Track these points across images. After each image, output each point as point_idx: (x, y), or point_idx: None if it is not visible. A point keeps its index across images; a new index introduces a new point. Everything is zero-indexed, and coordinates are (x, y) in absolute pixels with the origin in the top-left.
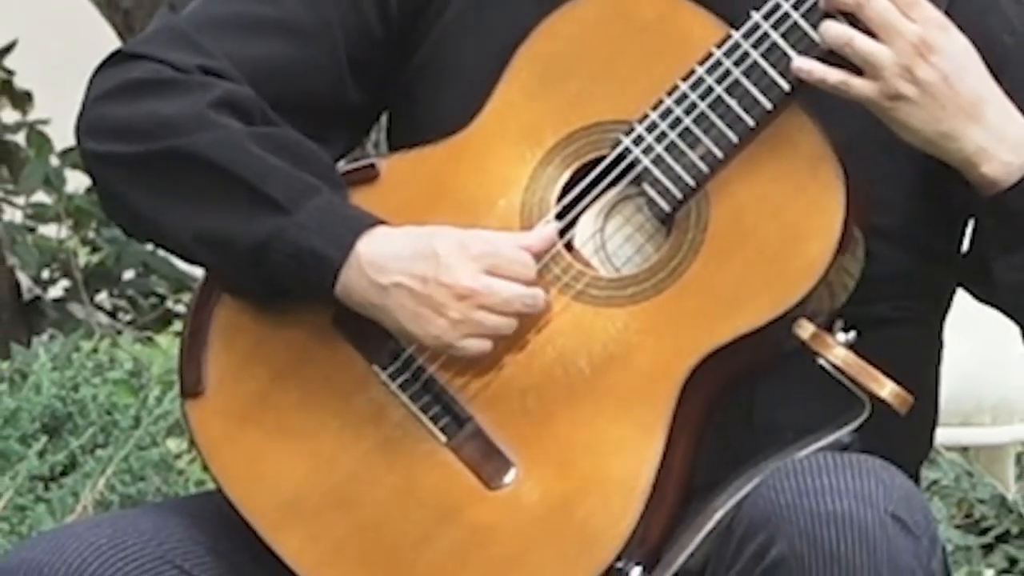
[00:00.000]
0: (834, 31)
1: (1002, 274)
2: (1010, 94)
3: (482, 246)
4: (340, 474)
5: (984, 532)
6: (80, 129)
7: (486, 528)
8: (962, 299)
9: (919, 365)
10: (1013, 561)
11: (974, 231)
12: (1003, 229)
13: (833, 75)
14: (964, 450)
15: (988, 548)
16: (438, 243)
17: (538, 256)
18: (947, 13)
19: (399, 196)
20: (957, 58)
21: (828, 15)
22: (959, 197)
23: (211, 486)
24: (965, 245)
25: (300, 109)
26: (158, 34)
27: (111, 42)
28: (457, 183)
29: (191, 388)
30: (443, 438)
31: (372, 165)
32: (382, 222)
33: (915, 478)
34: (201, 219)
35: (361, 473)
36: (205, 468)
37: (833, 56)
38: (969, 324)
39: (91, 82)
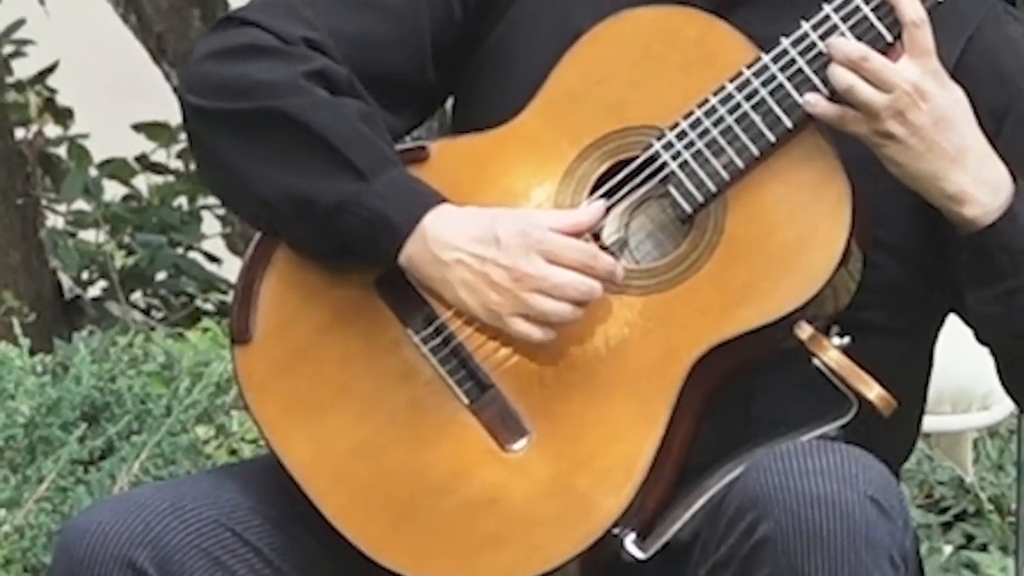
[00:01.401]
0: (838, 76)
1: (974, 306)
2: (1012, 136)
3: (540, 233)
4: (369, 426)
5: (944, 511)
6: (184, 84)
7: (496, 486)
8: None
9: (907, 374)
10: (970, 538)
11: (952, 263)
12: (977, 265)
13: (833, 111)
14: (926, 436)
15: (947, 526)
16: (500, 227)
17: (585, 231)
18: (963, 50)
19: (446, 178)
20: (947, 107)
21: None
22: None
23: None
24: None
25: (383, 82)
26: (269, 4)
27: (145, 63)
28: (500, 171)
29: (240, 335)
30: (466, 400)
31: (423, 147)
32: (447, 200)
33: (897, 471)
34: (287, 176)
35: (388, 426)
36: (246, 407)
37: None
38: None
39: (201, 42)
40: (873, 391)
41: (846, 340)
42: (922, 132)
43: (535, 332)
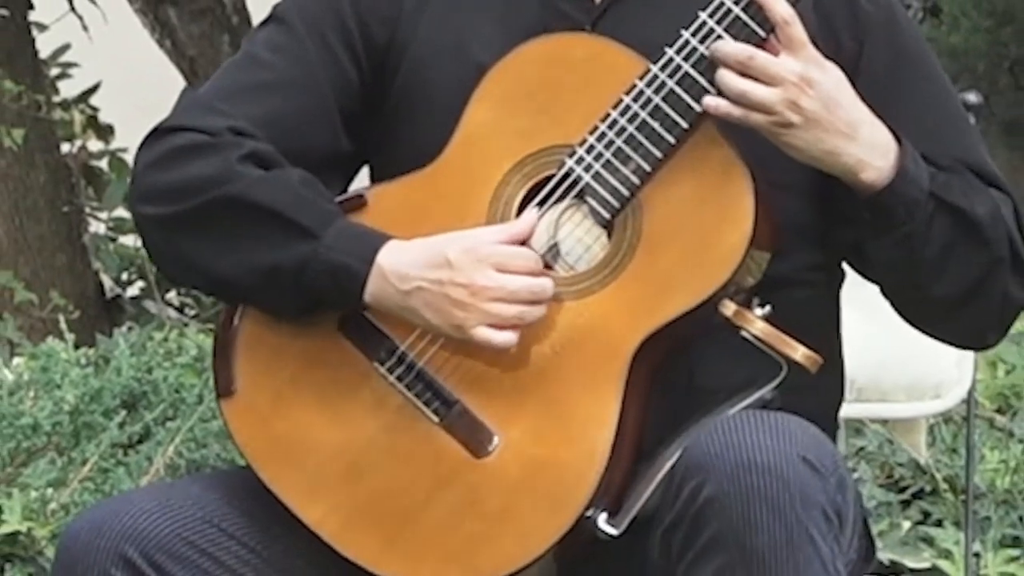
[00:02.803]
0: (729, 84)
1: (875, 253)
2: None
3: (486, 248)
4: (352, 454)
5: (902, 490)
6: (134, 197)
7: (477, 489)
8: (879, 296)
9: (820, 324)
10: (926, 514)
11: (850, 221)
12: (878, 219)
13: (733, 110)
14: (884, 423)
15: (906, 504)
16: (448, 249)
17: (526, 237)
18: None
19: (386, 219)
20: (832, 88)
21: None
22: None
23: None
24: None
25: (302, 155)
26: (188, 107)
27: (178, 84)
28: (434, 205)
29: (224, 389)
30: (435, 419)
31: (361, 195)
32: (391, 237)
33: (832, 426)
34: (248, 254)
35: (370, 452)
36: (240, 452)
37: None
38: (887, 319)
39: (138, 156)
40: (798, 352)
41: (767, 309)
42: (815, 116)
43: (500, 337)
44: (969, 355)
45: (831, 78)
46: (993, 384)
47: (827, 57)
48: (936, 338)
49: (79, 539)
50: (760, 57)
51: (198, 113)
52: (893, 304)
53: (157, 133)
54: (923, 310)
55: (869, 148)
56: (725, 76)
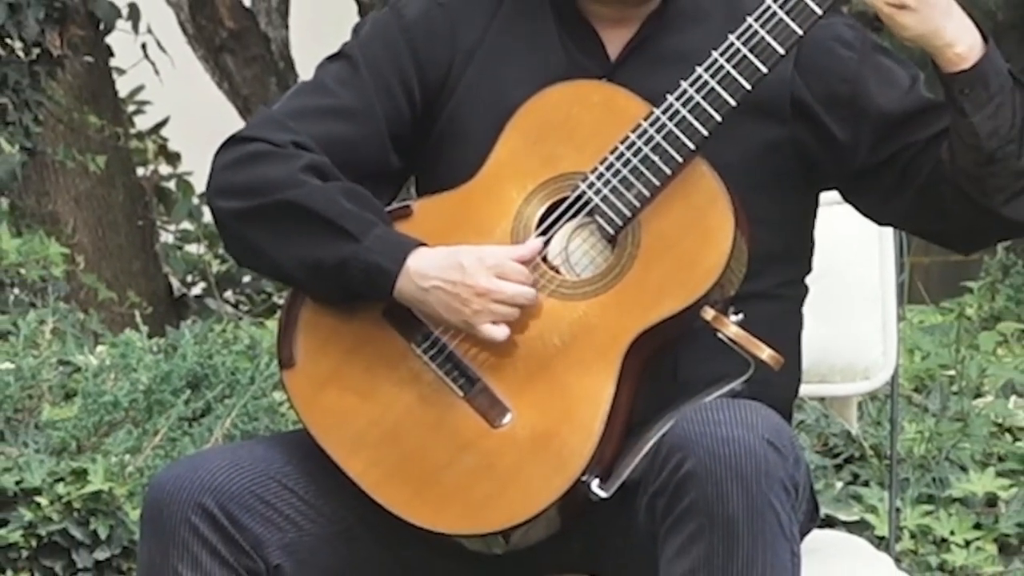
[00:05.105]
0: None
1: (981, 124)
2: (862, 93)
3: (493, 260)
4: (390, 420)
5: (836, 456)
6: (211, 192)
7: (492, 454)
8: (824, 291)
9: (785, 332)
10: (856, 476)
11: (910, 146)
12: (975, 90)
13: None
14: (822, 400)
15: (839, 467)
16: (462, 258)
17: (530, 260)
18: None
19: (428, 227)
20: None
21: None
22: (813, 212)
23: None
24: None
25: (356, 171)
26: (260, 122)
27: (235, 117)
28: (469, 216)
29: (286, 362)
30: (460, 393)
31: (408, 206)
32: (423, 244)
33: (788, 412)
34: (299, 249)
35: (404, 419)
36: (297, 416)
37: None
38: (827, 310)
39: (216, 158)
40: (765, 353)
41: (740, 316)
42: (922, 0)
43: (499, 332)
44: (893, 343)
45: None
46: (912, 368)
47: (822, 107)
48: (1013, 227)
49: (164, 490)
50: None
51: (269, 127)
52: (976, 196)
53: (234, 140)
54: (1008, 184)
55: (962, 26)
56: None
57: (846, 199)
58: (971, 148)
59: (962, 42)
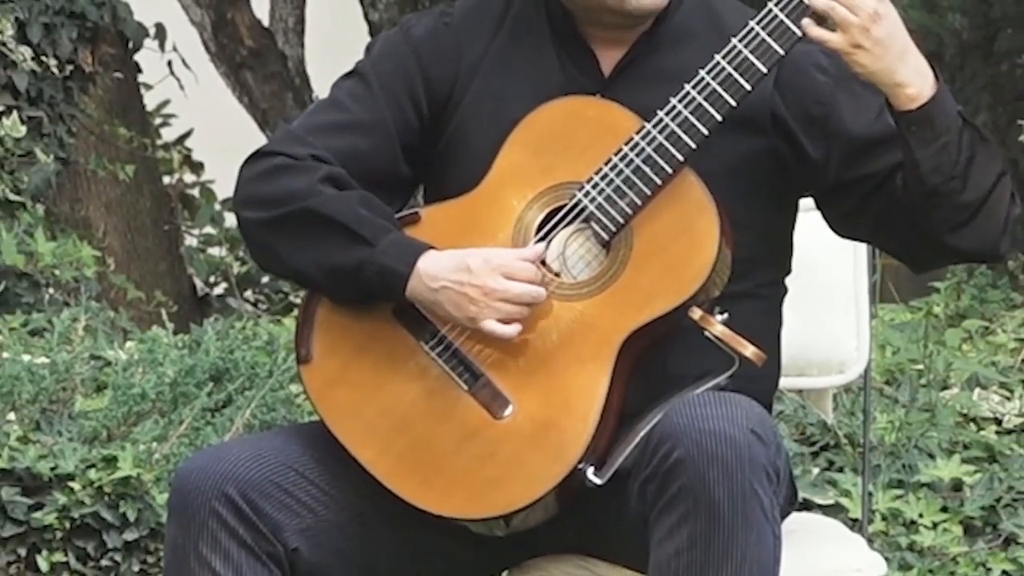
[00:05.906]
0: (821, 4)
1: (924, 161)
2: (838, 114)
3: (498, 260)
4: (399, 411)
5: (812, 444)
6: (237, 202)
7: (494, 443)
8: (801, 291)
9: (767, 330)
10: (831, 463)
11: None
12: (922, 130)
13: (815, 31)
14: (799, 392)
15: (815, 455)
16: (470, 259)
17: (532, 263)
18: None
19: (435, 232)
20: (893, 22)
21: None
22: (793, 218)
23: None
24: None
25: (370, 180)
26: (281, 138)
27: (254, 129)
28: (473, 222)
29: (303, 357)
30: (465, 387)
31: (416, 213)
32: (432, 247)
33: (769, 403)
34: (319, 254)
35: (413, 410)
36: (313, 408)
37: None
38: (803, 307)
39: (241, 171)
40: (748, 350)
41: (725, 315)
42: (881, 42)
43: (505, 329)
44: (866, 339)
45: (892, 14)
46: (883, 362)
47: (797, 125)
48: (957, 254)
49: (190, 479)
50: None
51: (289, 142)
52: (923, 224)
53: (258, 155)
54: (951, 217)
55: (915, 70)
56: (817, 1)
57: (818, 208)
58: (916, 181)
59: (913, 84)
